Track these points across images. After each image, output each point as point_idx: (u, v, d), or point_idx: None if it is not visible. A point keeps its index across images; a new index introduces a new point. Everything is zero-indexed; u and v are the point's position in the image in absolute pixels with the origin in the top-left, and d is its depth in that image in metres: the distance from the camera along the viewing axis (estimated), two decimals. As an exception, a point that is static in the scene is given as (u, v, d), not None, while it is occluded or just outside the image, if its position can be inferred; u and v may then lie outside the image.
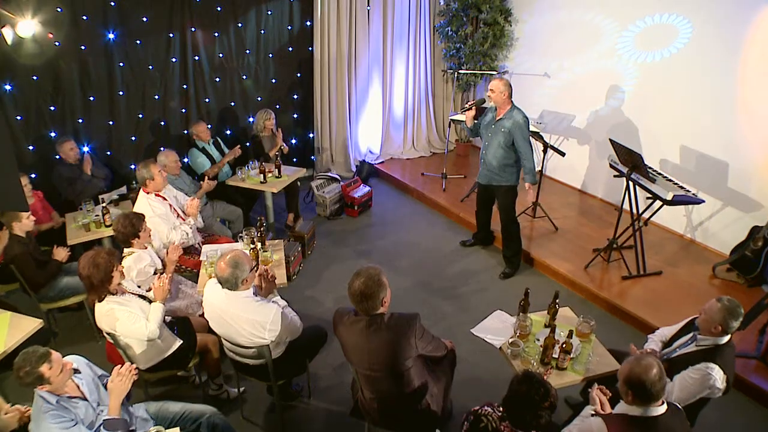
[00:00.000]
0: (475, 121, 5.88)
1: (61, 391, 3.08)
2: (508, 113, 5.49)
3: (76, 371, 3.26)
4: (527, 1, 8.08)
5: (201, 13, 7.05)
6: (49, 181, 6.24)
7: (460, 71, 8.62)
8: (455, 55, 8.72)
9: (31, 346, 3.05)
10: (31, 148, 6.49)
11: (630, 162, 5.47)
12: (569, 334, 3.43)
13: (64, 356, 3.25)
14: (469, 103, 5.85)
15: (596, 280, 5.84)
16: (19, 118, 6.32)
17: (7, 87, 6.14)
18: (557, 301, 3.81)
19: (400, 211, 7.85)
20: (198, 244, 5.37)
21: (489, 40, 8.31)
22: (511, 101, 5.52)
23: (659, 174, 5.60)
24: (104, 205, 5.56)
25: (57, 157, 6.16)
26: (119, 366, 3.26)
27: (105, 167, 6.58)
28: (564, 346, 3.42)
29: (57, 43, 6.21)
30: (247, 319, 3.56)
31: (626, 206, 5.72)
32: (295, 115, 8.48)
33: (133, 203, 5.38)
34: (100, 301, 3.76)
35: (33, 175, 6.45)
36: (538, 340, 3.70)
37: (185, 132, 7.40)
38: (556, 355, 3.49)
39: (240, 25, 7.41)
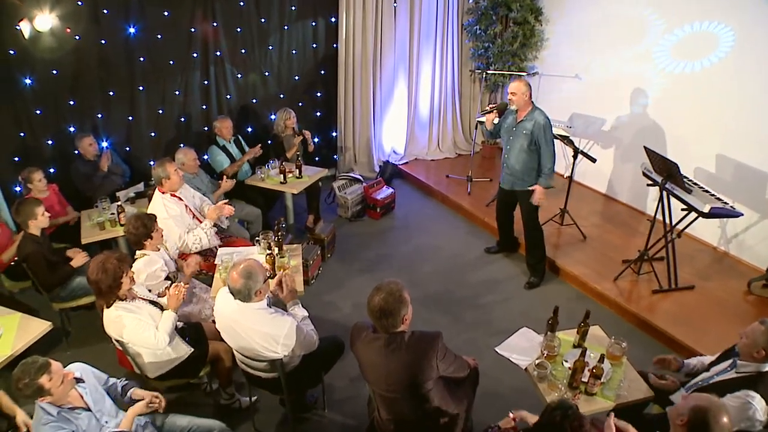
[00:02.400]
0: (495, 123, 5.68)
1: (62, 402, 2.96)
2: (529, 114, 5.28)
3: (80, 380, 3.12)
4: (559, 0, 7.81)
5: (223, 8, 6.91)
6: (67, 176, 6.16)
7: (488, 71, 8.38)
8: (483, 54, 8.48)
9: (31, 356, 2.92)
10: (49, 142, 6.44)
11: (665, 171, 5.21)
12: (600, 358, 3.20)
13: (66, 364, 3.14)
14: (491, 106, 5.65)
15: (625, 293, 5.58)
16: (38, 112, 6.26)
17: (27, 81, 6.07)
18: (588, 320, 3.58)
19: (424, 214, 7.65)
20: (215, 246, 5.21)
21: (519, 40, 8.07)
22: (532, 102, 5.33)
23: (695, 184, 5.33)
24: (120, 203, 5.44)
25: (76, 152, 6.08)
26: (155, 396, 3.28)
27: (123, 163, 6.49)
28: (594, 370, 3.19)
29: (77, 37, 6.13)
30: (260, 332, 3.38)
31: (658, 216, 5.45)
32: (318, 114, 8.32)
33: (150, 201, 5.25)
34: (108, 307, 3.62)
35: (51, 170, 6.43)
36: (566, 361, 3.48)
37: (205, 128, 7.29)
38: (585, 380, 3.26)
39: (263, 20, 7.25)
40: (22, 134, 6.26)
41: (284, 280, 3.78)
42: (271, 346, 3.40)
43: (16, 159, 6.30)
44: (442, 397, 3.16)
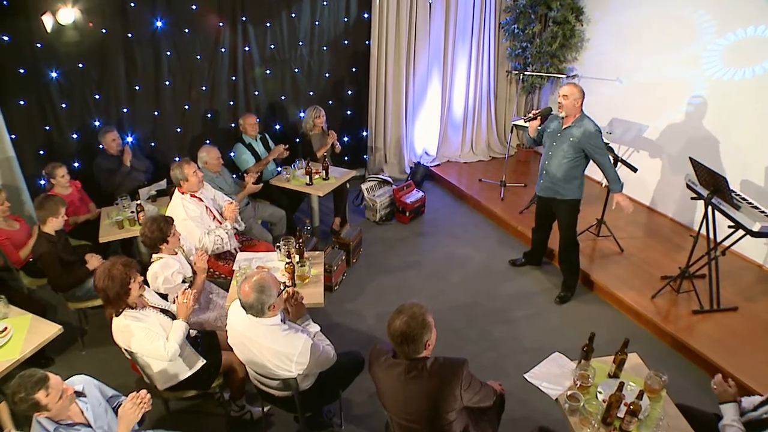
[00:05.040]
0: (539, 128, 5.34)
1: (61, 418, 2.80)
2: (577, 121, 4.93)
3: (81, 394, 2.96)
4: (602, -1, 7.48)
5: (252, 2, 6.74)
6: (91, 170, 6.06)
7: (525, 72, 8.08)
8: (521, 54, 8.19)
9: (29, 369, 2.76)
10: (74, 136, 6.37)
11: (711, 185, 4.88)
12: (639, 394, 2.91)
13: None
14: (535, 112, 5.29)
15: (663, 312, 5.24)
16: (63, 105, 6.20)
17: (53, 74, 6.02)
18: (626, 349, 3.29)
19: (454, 219, 7.39)
20: (234, 249, 5.04)
21: (558, 40, 7.75)
22: (582, 110, 4.97)
23: (744, 200, 4.96)
24: (139, 202, 5.30)
25: (100, 147, 5.97)
26: (134, 393, 2.97)
27: (147, 159, 6.37)
28: (632, 406, 2.91)
29: (103, 31, 6.05)
30: (272, 349, 3.17)
31: (702, 231, 5.11)
32: (349, 112, 8.12)
33: (171, 198, 5.09)
34: (117, 315, 3.45)
35: (76, 164, 6.39)
36: (601, 392, 3.19)
37: (232, 125, 7.14)
38: (621, 415, 2.98)
39: (293, 15, 7.07)
40: (47, 128, 6.21)
41: (289, 300, 3.55)
42: (284, 365, 3.19)
43: (41, 153, 6.24)
44: (465, 428, 2.92)
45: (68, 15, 5.61)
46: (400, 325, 2.71)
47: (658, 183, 7.10)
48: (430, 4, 7.77)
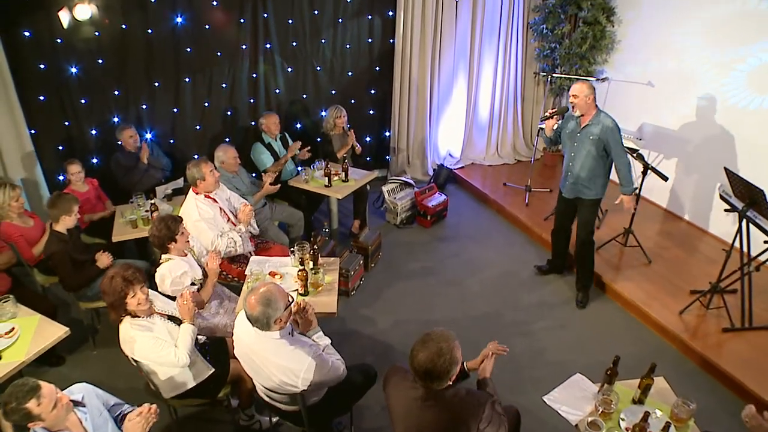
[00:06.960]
0: (555, 127, 5.23)
1: (58, 428, 2.70)
2: (594, 119, 4.83)
3: (79, 404, 2.86)
4: (634, -1, 7.23)
5: (275, -2, 6.65)
6: (110, 167, 6.00)
7: (553, 74, 7.85)
8: (549, 55, 7.97)
9: (23, 377, 2.67)
10: (93, 132, 6.33)
11: (747, 197, 4.64)
12: (665, 426, 2.71)
13: (69, 384, 2.88)
14: (551, 112, 5.22)
15: (691, 329, 5.00)
16: (83, 101, 6.15)
17: (73, 69, 5.98)
18: (652, 375, 3.09)
19: (477, 224, 7.20)
20: (249, 252, 4.91)
21: (588, 41, 7.49)
22: (596, 105, 4.86)
23: (782, 213, 4.72)
24: (153, 201, 5.21)
25: (119, 143, 5.90)
26: (146, 405, 2.89)
27: (165, 157, 6.27)
28: (657, 437, 2.73)
29: (124, 26, 5.98)
30: (278, 364, 3.03)
31: (735, 244, 4.86)
32: (371, 112, 7.95)
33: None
34: (119, 323, 3.38)
35: (95, 160, 6.36)
36: (624, 419, 3.00)
37: (252, 123, 7.04)
38: (645, 446, 2.80)
39: (316, 12, 6.93)
40: (66, 123, 6.17)
41: (300, 312, 3.40)
42: (290, 380, 3.04)
43: (60, 148, 6.22)
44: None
45: (85, 11, 5.56)
46: (425, 361, 2.51)
47: (689, 192, 6.83)
48: (456, 2, 7.58)
